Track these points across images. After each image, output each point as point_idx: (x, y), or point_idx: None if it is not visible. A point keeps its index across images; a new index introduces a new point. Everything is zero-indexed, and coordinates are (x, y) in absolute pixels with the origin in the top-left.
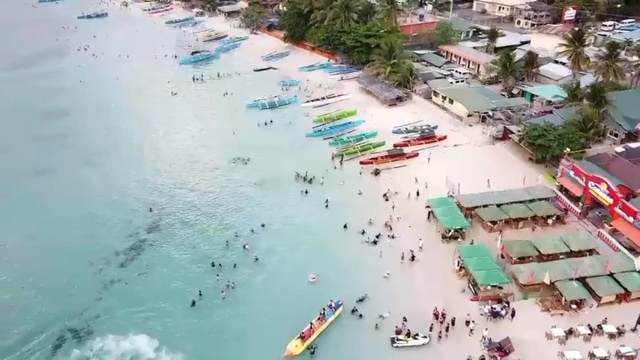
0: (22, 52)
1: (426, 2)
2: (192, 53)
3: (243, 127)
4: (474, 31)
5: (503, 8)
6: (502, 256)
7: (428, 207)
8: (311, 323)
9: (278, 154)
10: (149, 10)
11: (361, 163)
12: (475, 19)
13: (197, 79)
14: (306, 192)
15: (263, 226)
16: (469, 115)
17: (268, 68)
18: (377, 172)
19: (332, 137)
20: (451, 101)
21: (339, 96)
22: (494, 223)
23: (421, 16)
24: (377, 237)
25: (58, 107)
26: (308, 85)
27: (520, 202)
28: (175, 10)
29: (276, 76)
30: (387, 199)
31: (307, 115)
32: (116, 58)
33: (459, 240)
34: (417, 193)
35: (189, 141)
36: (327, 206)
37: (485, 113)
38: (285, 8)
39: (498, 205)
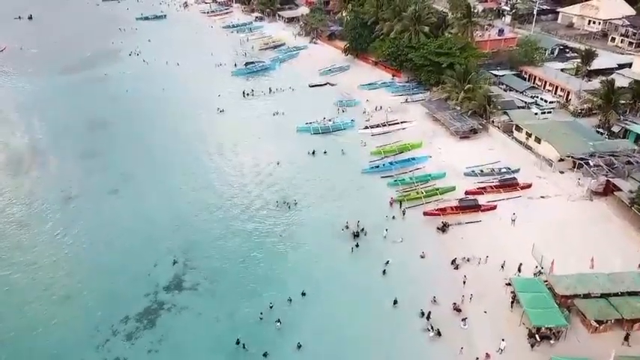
0: (74, 56)
1: (505, 14)
2: (246, 64)
3: (290, 156)
4: (560, 49)
5: (594, 22)
6: None
7: (509, 284)
8: None
9: (328, 195)
10: (208, 12)
11: (425, 214)
12: (560, 35)
13: (247, 94)
14: (357, 246)
15: (304, 295)
16: (560, 160)
17: (325, 84)
18: (444, 228)
19: (391, 176)
20: (538, 140)
21: (402, 123)
22: (600, 322)
23: (501, 31)
24: (427, 317)
25: (98, 120)
26: (367, 106)
27: (636, 293)
28: (235, 14)
29: (333, 93)
30: (456, 268)
31: (364, 145)
32: (165, 66)
33: (552, 342)
34: (502, 266)
35: (230, 175)
36: (384, 272)
37: (580, 159)
38: (348, 17)
39: (604, 296)
